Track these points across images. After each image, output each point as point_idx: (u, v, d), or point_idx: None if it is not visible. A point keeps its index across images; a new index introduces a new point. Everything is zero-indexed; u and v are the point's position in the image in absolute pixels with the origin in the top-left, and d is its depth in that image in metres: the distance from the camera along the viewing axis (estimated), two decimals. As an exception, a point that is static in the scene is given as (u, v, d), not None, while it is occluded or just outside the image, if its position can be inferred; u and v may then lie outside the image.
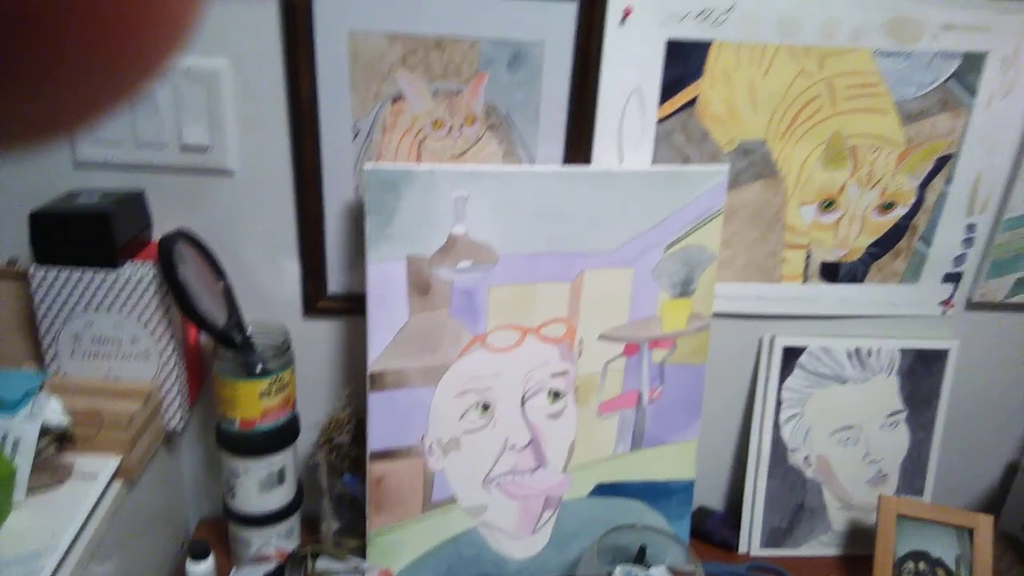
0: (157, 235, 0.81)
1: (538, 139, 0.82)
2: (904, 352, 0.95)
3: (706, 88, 0.82)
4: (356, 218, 0.83)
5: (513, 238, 0.80)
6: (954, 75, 0.83)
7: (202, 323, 0.74)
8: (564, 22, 0.77)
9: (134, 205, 0.79)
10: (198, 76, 0.76)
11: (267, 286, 0.87)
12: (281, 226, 0.84)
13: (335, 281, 0.87)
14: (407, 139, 0.81)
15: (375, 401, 0.81)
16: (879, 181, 0.87)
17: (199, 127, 0.78)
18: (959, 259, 0.92)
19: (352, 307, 0.87)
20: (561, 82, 0.79)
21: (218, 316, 0.77)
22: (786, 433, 0.96)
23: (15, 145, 0.16)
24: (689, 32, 0.79)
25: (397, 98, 0.78)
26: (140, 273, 0.75)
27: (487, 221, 0.79)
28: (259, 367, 0.79)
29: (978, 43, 0.81)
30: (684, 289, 0.86)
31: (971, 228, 0.91)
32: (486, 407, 0.84)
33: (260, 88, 0.78)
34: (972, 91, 0.84)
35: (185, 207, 0.82)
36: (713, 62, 0.80)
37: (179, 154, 0.79)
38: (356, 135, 0.80)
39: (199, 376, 0.88)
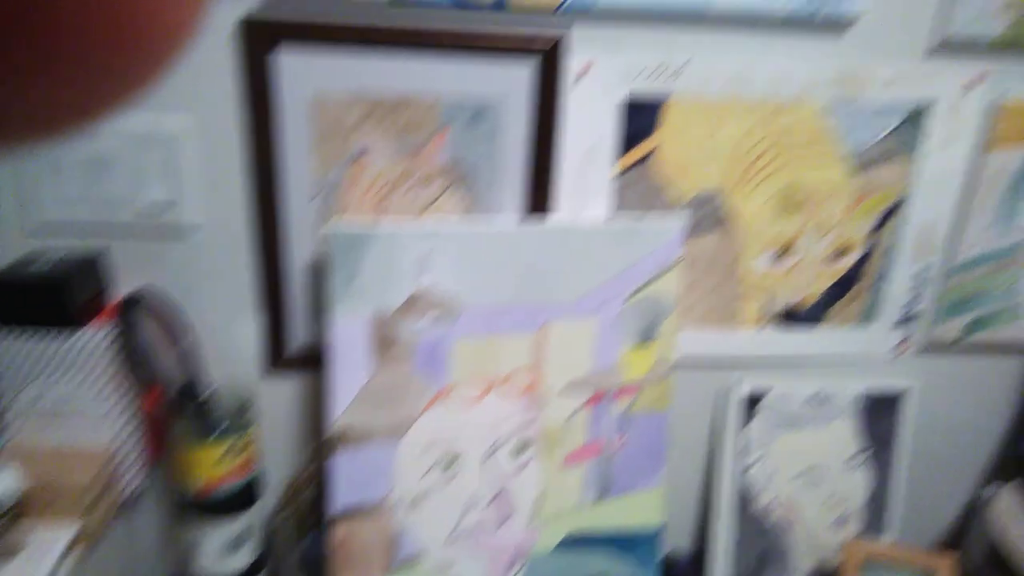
0: (118, 294, 0.81)
1: (500, 192, 0.83)
2: (863, 395, 0.97)
3: (662, 141, 0.83)
4: (319, 274, 0.83)
5: (476, 292, 0.81)
6: (901, 125, 0.86)
7: (160, 387, 0.73)
8: (523, 79, 0.78)
9: (92, 267, 0.78)
10: (160, 134, 0.75)
11: (229, 343, 0.86)
12: (243, 283, 0.84)
13: (298, 336, 0.86)
14: (370, 194, 0.81)
15: (338, 459, 0.80)
16: (832, 228, 0.89)
17: (160, 185, 0.77)
18: (912, 302, 0.94)
19: (315, 362, 0.87)
20: (521, 137, 0.81)
21: (177, 379, 0.76)
22: (750, 477, 0.97)
23: (7, 140, 0.17)
24: (645, 87, 0.81)
25: (360, 154, 0.79)
26: (97, 338, 0.74)
27: (450, 276, 0.79)
28: (218, 429, 0.78)
29: (922, 94, 0.84)
30: (646, 338, 0.87)
31: (923, 272, 0.93)
32: (451, 461, 0.84)
33: (222, 146, 0.78)
34: (918, 140, 0.86)
35: (147, 265, 0.81)
36: (669, 116, 0.82)
37: (140, 212, 0.78)
38: (319, 192, 0.80)
39: (158, 439, 0.86)
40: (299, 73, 0.75)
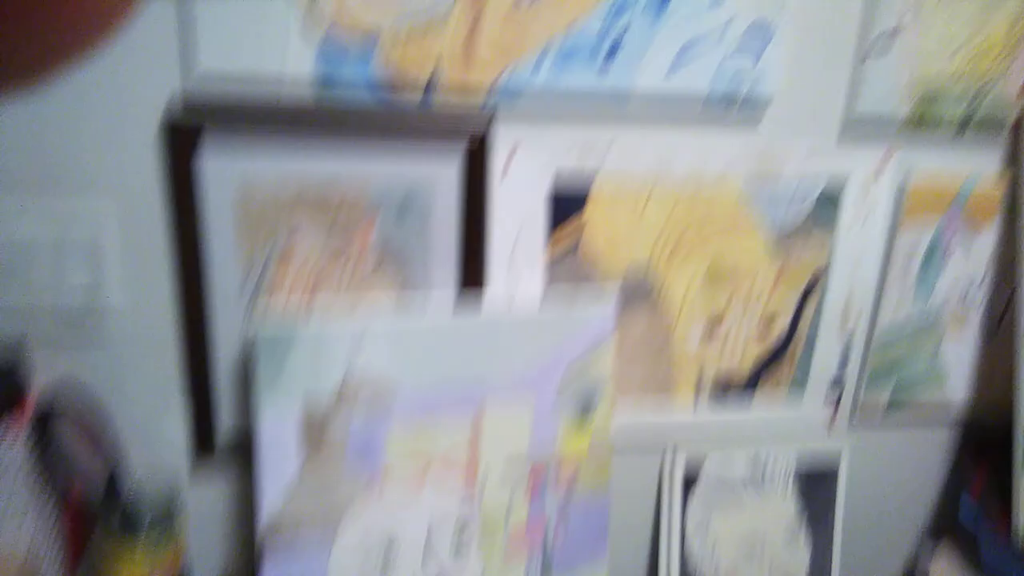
0: (37, 386, 0.78)
1: (432, 272, 0.83)
2: (798, 465, 0.98)
3: (590, 221, 0.85)
4: (247, 360, 0.82)
5: (409, 378, 0.80)
6: (817, 203, 0.89)
7: (80, 487, 0.70)
8: (451, 166, 0.79)
9: (9, 362, 0.75)
10: (82, 219, 0.74)
11: (154, 434, 0.84)
12: (168, 371, 0.82)
13: (227, 426, 0.84)
14: (300, 280, 0.80)
15: (269, 558, 0.78)
16: (759, 300, 0.92)
17: (82, 271, 0.76)
18: (840, 372, 0.97)
19: (246, 452, 0.84)
20: (452, 221, 0.81)
21: (98, 477, 0.73)
22: (692, 551, 0.97)
23: None
24: (571, 170, 0.83)
25: (289, 241, 0.79)
26: (11, 441, 0.71)
27: (381, 363, 0.79)
28: (142, 528, 0.75)
29: (836, 173, 0.88)
30: (582, 416, 0.87)
31: (848, 342, 0.95)
32: (389, 552, 0.82)
33: (146, 232, 0.77)
34: (834, 217, 0.90)
35: (67, 354, 0.79)
36: (595, 197, 0.84)
37: (61, 298, 0.76)
38: (246, 279, 0.79)
39: (79, 541, 0.82)
40: (224, 166, 0.75)
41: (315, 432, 0.78)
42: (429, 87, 0.76)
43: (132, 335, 0.80)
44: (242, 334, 0.81)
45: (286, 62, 0.73)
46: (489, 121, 0.79)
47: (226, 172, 0.75)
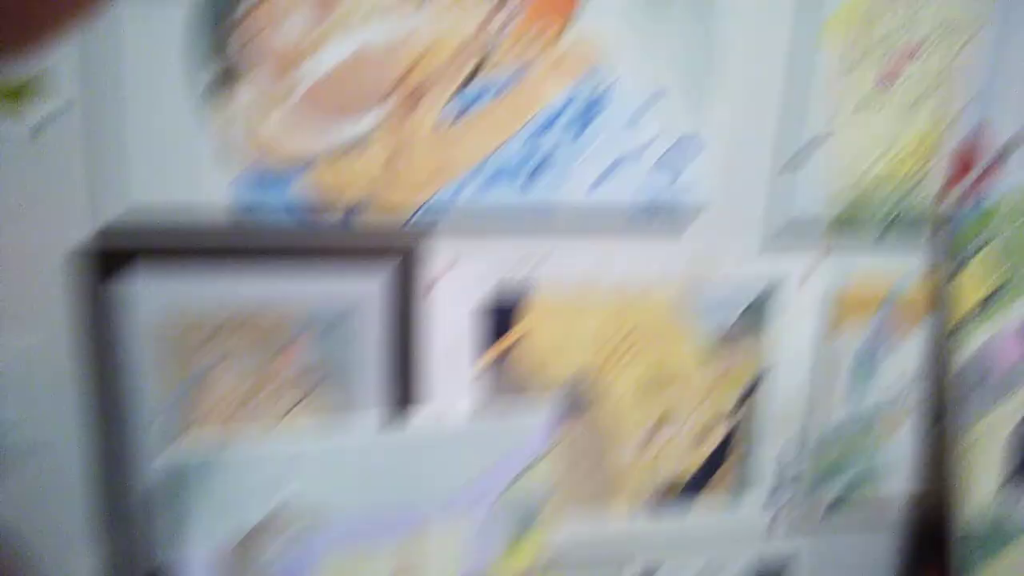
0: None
1: (363, 392, 0.81)
2: (745, 570, 0.96)
3: (525, 332, 0.84)
4: (169, 490, 0.78)
5: (339, 502, 0.77)
6: (752, 305, 0.89)
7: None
8: (379, 285, 0.78)
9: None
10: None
11: (71, 569, 0.80)
12: (84, 504, 0.78)
13: (147, 560, 0.80)
14: (224, 407, 0.78)
15: None
16: (697, 406, 0.91)
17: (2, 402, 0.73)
18: (780, 475, 0.96)
19: (167, 588, 0.81)
20: (382, 339, 0.80)
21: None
22: (640, 668, 0.94)
23: None
24: (503, 283, 0.82)
25: (212, 368, 0.77)
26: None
27: (310, 488, 0.76)
28: None
29: (767, 277, 0.89)
30: (521, 533, 0.85)
31: (787, 445, 0.95)
32: None
33: (60, 362, 0.74)
34: (769, 318, 0.90)
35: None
36: (531, 307, 0.83)
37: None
38: (170, 403, 0.76)
39: None
40: (147, 293, 0.73)
41: (240, 564, 0.75)
42: (355, 208, 0.76)
43: (48, 467, 0.76)
44: (165, 463, 0.78)
45: (209, 190, 0.72)
46: (416, 239, 0.78)
47: (149, 299, 0.73)
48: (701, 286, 0.87)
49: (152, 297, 0.73)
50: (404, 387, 0.82)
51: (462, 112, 0.76)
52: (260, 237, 0.75)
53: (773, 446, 0.95)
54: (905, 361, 0.95)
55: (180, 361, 0.76)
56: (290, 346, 0.78)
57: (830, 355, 0.93)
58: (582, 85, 0.78)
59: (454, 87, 0.75)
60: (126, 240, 0.72)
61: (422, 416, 0.83)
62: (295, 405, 0.79)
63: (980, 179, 0.90)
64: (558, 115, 0.79)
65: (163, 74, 0.68)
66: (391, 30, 0.72)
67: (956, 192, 0.90)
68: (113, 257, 0.72)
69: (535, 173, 0.79)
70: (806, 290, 0.90)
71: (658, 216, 0.84)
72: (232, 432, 0.78)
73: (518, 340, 0.84)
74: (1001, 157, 0.90)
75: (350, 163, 0.74)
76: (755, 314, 0.90)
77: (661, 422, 0.91)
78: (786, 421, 0.94)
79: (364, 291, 0.78)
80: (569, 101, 0.78)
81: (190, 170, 0.71)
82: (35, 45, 0.20)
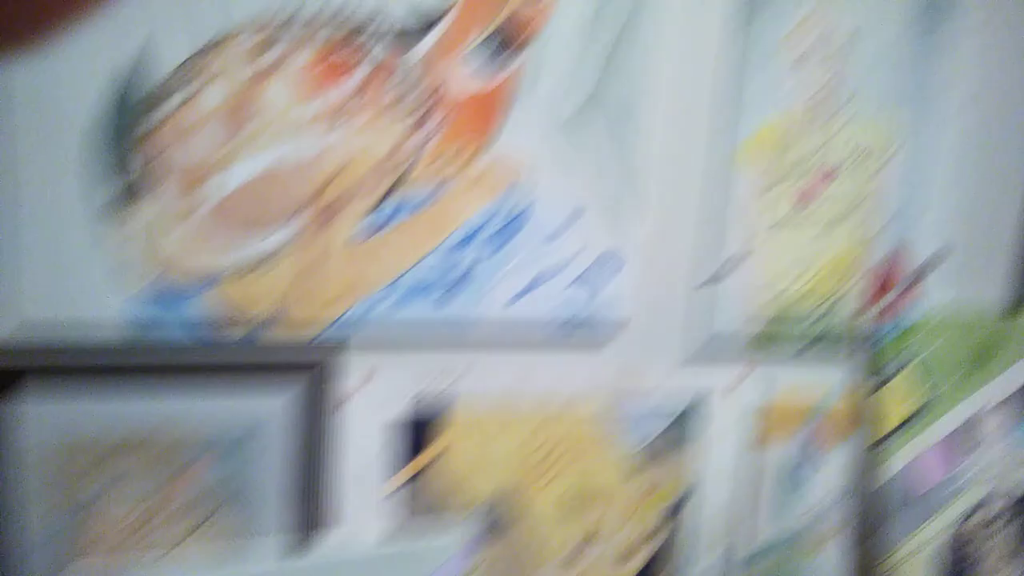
0: None
1: (268, 515, 0.77)
2: None
3: (442, 450, 0.81)
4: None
5: (235, 636, 0.73)
6: (677, 419, 0.88)
7: None
8: (288, 402, 0.75)
9: None
10: None
11: None
12: (-42, 641, 0.72)
13: None
14: (118, 530, 0.74)
15: None
16: (627, 522, 0.89)
17: None
18: (710, 593, 0.93)
19: None
20: (291, 458, 0.77)
21: None
22: None
23: None
24: (420, 399, 0.80)
25: (105, 490, 0.72)
26: None
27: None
28: None
29: (691, 394, 0.88)
30: (435, 662, 0.81)
31: (715, 564, 0.92)
32: None
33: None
34: (696, 433, 0.89)
35: None
36: (451, 422, 0.81)
37: None
38: (57, 536, 0.72)
39: None
40: (31, 415, 0.69)
41: None
42: (262, 324, 0.73)
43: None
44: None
45: (106, 307, 0.69)
46: (327, 354, 0.76)
47: (38, 420, 0.70)
48: (624, 401, 0.86)
49: (41, 418, 0.70)
50: (311, 510, 0.78)
51: (378, 228, 0.75)
52: (158, 354, 0.72)
53: (700, 563, 0.92)
54: (831, 477, 0.94)
55: (69, 485, 0.71)
56: (188, 468, 0.74)
57: (756, 470, 0.92)
58: (502, 202, 0.78)
59: (370, 204, 0.74)
60: (15, 358, 0.68)
61: (329, 541, 0.79)
62: (192, 532, 0.75)
63: (899, 298, 0.91)
64: (477, 231, 0.78)
65: (60, 187, 0.66)
66: (304, 147, 0.71)
67: (876, 310, 0.91)
68: (1, 376, 0.68)
69: (454, 288, 0.78)
70: (730, 405, 0.89)
71: (579, 331, 0.83)
72: (122, 562, 0.74)
73: (435, 458, 0.82)
74: (919, 277, 0.91)
75: (258, 279, 0.72)
76: (679, 429, 0.88)
77: (585, 541, 0.88)
78: (713, 538, 0.92)
79: (270, 409, 0.75)
80: (489, 217, 0.78)
81: (86, 286, 0.68)
82: (39, 39, 0.21)
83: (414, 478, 0.81)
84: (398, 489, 0.81)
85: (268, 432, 0.76)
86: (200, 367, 0.72)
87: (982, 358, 0.93)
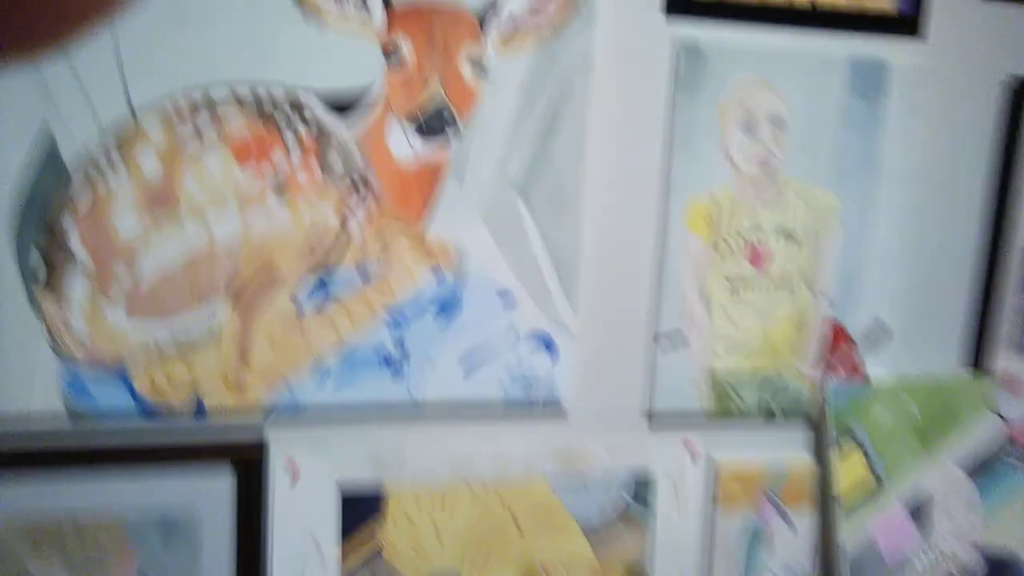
0: None
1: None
2: None
3: (389, 534, 0.80)
4: None
5: None
6: (632, 491, 0.86)
7: None
8: (224, 487, 0.74)
9: None
10: None
11: None
12: None
13: None
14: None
15: None
16: (581, 598, 0.86)
17: None
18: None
19: None
20: (226, 546, 0.75)
21: None
22: None
23: None
24: (362, 481, 0.78)
25: (34, 580, 0.70)
26: None
27: None
28: None
29: (643, 465, 0.86)
30: None
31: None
32: None
33: None
34: (651, 504, 0.87)
35: None
36: (393, 507, 0.79)
37: None
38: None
39: None
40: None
41: None
42: (199, 406, 0.72)
43: None
44: None
45: (37, 392, 0.68)
46: (264, 435, 0.75)
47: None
48: (578, 472, 0.84)
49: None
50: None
51: (317, 305, 0.74)
52: (91, 440, 0.70)
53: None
54: (795, 542, 0.92)
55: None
56: (122, 556, 0.72)
57: (717, 538, 0.90)
58: (444, 280, 0.77)
59: (307, 281, 0.73)
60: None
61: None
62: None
63: (847, 368, 0.91)
64: (420, 309, 0.77)
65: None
66: (239, 225, 0.71)
67: (822, 379, 0.90)
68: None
69: (398, 364, 0.77)
70: (688, 474, 0.88)
71: (528, 406, 0.82)
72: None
73: (384, 533, 0.80)
74: (866, 347, 0.91)
75: (195, 360, 0.71)
76: (637, 500, 0.87)
77: (539, 619, 0.85)
78: (672, 612, 0.90)
79: (206, 493, 0.74)
80: (431, 295, 0.77)
81: (16, 372, 0.67)
82: (57, 44, 0.21)
83: (360, 555, 0.79)
84: (343, 567, 0.79)
85: (199, 519, 0.74)
86: (126, 454, 0.71)
87: (935, 424, 0.92)
